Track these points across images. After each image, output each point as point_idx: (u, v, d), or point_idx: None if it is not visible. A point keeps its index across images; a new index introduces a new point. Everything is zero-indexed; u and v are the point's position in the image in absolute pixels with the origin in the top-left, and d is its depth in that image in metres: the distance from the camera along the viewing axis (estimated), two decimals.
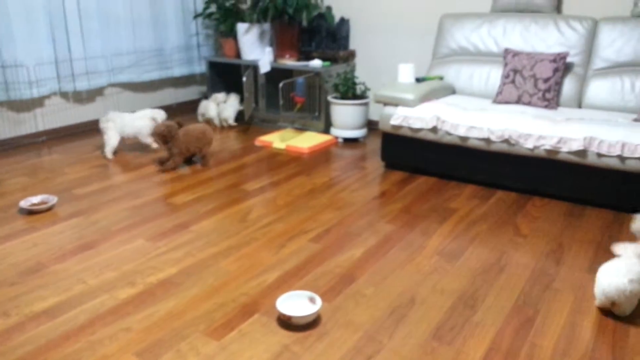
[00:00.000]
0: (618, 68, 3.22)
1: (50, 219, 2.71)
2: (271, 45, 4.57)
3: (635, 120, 2.93)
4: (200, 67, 5.14)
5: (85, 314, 1.92)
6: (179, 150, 3.40)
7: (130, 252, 2.38)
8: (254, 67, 4.58)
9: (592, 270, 2.24)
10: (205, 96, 5.15)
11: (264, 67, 4.28)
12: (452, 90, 3.66)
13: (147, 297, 2.02)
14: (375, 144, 4.08)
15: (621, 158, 2.67)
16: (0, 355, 1.70)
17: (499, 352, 1.73)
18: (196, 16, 4.80)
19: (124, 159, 3.67)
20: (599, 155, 2.72)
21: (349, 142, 4.13)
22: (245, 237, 2.52)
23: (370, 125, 4.45)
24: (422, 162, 3.35)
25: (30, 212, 2.78)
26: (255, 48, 4.53)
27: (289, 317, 1.81)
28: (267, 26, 4.50)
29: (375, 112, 4.48)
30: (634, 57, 3.17)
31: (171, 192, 3.08)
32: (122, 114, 3.72)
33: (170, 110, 4.97)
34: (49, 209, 2.82)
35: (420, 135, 3.26)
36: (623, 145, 2.66)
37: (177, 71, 4.93)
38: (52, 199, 2.86)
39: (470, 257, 2.36)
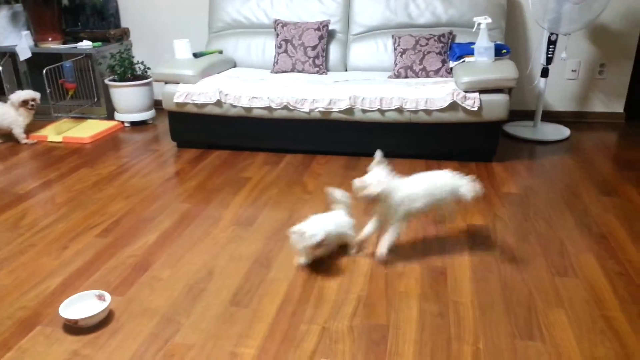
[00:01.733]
0: (372, 32, 3.63)
1: None
2: (28, 28, 4.04)
3: (390, 77, 3.36)
4: None
5: None
6: None
7: None
8: (11, 54, 4.01)
9: (368, 212, 2.54)
10: None
11: (23, 53, 3.78)
12: (232, 64, 3.72)
13: None
14: (166, 124, 3.96)
15: (381, 111, 3.05)
16: None
17: (291, 302, 1.88)
18: None
19: None
20: (364, 110, 3.07)
21: (137, 125, 3.94)
22: (20, 246, 2.26)
23: (158, 106, 4.29)
24: (213, 137, 3.37)
25: None
26: (9, 33, 3.98)
27: (75, 321, 1.70)
28: (19, 7, 3.96)
29: (161, 91, 4.33)
30: (383, 21, 3.60)
31: None
32: None
33: None
34: None
35: (207, 110, 3.26)
36: (381, 100, 3.03)
37: None
38: None
39: (264, 220, 2.48)
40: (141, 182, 2.93)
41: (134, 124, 3.95)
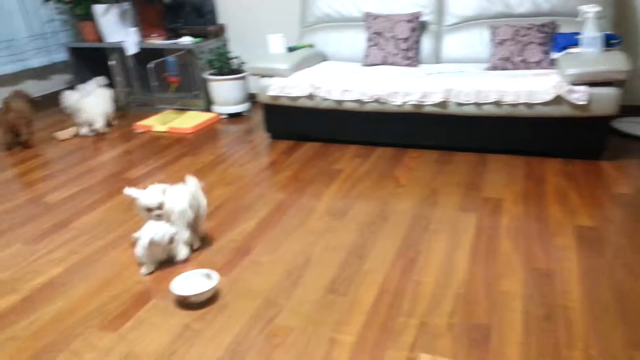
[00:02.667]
0: (467, 22, 3.52)
1: None
2: (135, 25, 4.34)
3: (486, 69, 3.25)
4: (61, 55, 4.74)
5: None
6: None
7: (7, 258, 2.20)
8: (120, 49, 4.33)
9: (463, 208, 2.49)
10: (72, 87, 4.78)
11: (131, 48, 4.06)
12: (323, 57, 3.77)
13: (31, 302, 1.91)
14: (260, 116, 4.10)
15: (477, 105, 2.96)
16: None
17: (388, 293, 1.89)
18: (46, 0, 4.39)
19: None
20: (458, 104, 2.99)
21: (233, 117, 4.11)
22: (134, 226, 2.44)
23: (253, 99, 4.45)
24: (305, 129, 3.44)
25: None
26: (118, 29, 4.28)
27: (186, 297, 1.82)
28: (127, 5, 4.26)
29: (256, 85, 4.48)
30: (479, 11, 3.48)
31: (45, 191, 2.87)
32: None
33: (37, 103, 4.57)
34: None
35: (299, 103, 3.33)
36: (478, 93, 2.94)
37: (36, 62, 4.51)
38: None
39: (357, 212, 2.50)
40: (239, 171, 3.05)
41: (230, 115, 4.12)
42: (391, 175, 2.91)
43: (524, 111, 2.88)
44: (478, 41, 3.45)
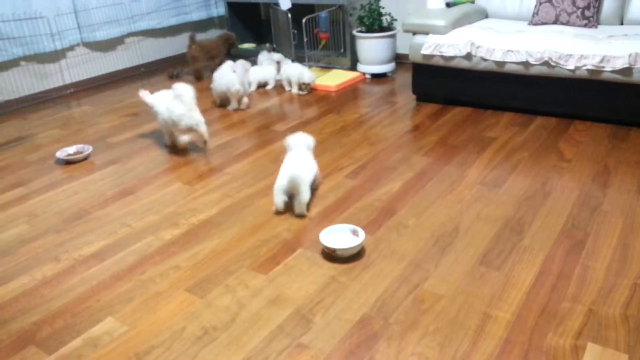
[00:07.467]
0: None
1: (88, 168, 2.74)
2: None
3: None
4: (218, 10, 4.99)
5: (133, 255, 1.95)
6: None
7: (169, 195, 2.39)
8: (274, 4, 4.41)
9: None
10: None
11: (285, 3, 4.11)
12: (484, 14, 3.47)
13: (191, 237, 2.04)
14: (404, 78, 3.95)
15: None
16: (55, 297, 1.75)
17: (550, 275, 1.70)
18: None
19: None
20: None
21: (377, 77, 4.01)
22: None
23: (398, 60, 4.29)
24: (456, 92, 3.23)
25: (67, 162, 2.81)
26: None
27: (334, 250, 1.80)
28: None
29: (402, 46, 4.31)
30: None
31: None
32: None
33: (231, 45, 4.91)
34: (85, 158, 2.84)
35: (453, 63, 3.12)
36: None
37: (196, 15, 4.81)
38: (87, 149, 2.87)
39: (513, 184, 2.29)
40: (383, 132, 2.97)
41: (374, 76, 4.02)
42: (554, 147, 2.61)
43: None
44: None
